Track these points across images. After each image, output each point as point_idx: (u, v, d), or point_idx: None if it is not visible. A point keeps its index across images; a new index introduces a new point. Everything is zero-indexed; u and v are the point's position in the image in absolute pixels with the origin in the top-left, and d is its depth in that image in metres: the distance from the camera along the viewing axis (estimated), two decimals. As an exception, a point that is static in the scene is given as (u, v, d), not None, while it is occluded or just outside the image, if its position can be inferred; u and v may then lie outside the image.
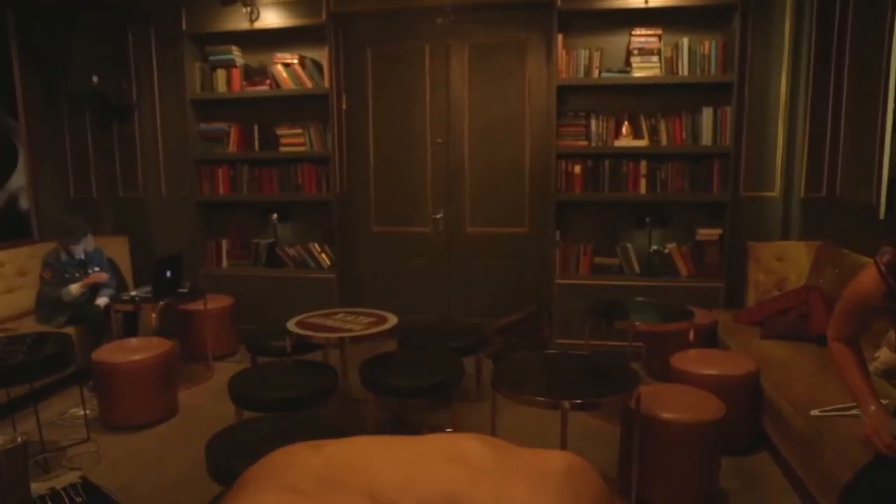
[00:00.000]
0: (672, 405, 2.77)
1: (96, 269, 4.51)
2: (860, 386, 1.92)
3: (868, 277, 1.98)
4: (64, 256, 4.41)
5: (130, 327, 4.59)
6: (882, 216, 3.69)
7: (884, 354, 2.99)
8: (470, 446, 1.31)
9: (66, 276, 4.37)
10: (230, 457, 2.40)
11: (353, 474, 1.26)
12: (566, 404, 2.42)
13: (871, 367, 2.95)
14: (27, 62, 4.98)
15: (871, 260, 2.00)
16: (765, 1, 4.58)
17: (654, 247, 4.79)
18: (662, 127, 4.71)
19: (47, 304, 4.39)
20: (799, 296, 3.90)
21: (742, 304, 4.49)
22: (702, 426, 2.70)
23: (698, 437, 2.71)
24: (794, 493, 2.90)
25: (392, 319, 3.70)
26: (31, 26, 4.98)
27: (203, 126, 5.29)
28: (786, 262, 4.37)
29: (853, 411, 2.64)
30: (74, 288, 4.33)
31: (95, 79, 4.93)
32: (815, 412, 2.69)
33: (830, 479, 2.44)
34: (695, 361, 3.34)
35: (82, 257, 4.46)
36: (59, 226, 4.59)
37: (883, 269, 1.93)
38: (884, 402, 1.93)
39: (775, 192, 4.68)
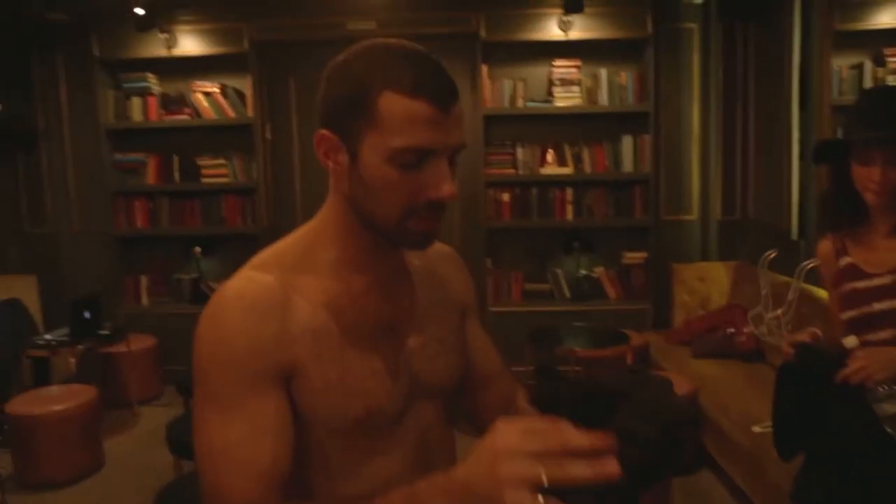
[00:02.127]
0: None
1: None
2: None
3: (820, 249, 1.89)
4: None
5: (42, 375, 4.29)
6: (795, 237, 3.96)
7: None
8: None
9: None
10: (188, 514, 2.28)
11: None
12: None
13: None
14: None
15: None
16: (674, 35, 4.85)
17: (583, 271, 4.93)
18: (586, 154, 4.88)
19: None
20: (723, 314, 4.12)
21: (669, 324, 4.68)
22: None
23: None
24: (740, 508, 3.04)
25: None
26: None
27: (118, 156, 5.04)
28: (707, 282, 4.60)
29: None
30: None
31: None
32: (756, 428, 2.84)
33: (776, 493, 2.57)
34: (636, 384, 3.44)
35: None
36: None
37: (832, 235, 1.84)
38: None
39: (693, 216, 4.94)
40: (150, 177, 5.03)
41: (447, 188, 0.89)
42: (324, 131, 0.92)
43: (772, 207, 4.29)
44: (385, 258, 1.02)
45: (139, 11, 4.52)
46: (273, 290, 0.91)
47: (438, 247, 1.16)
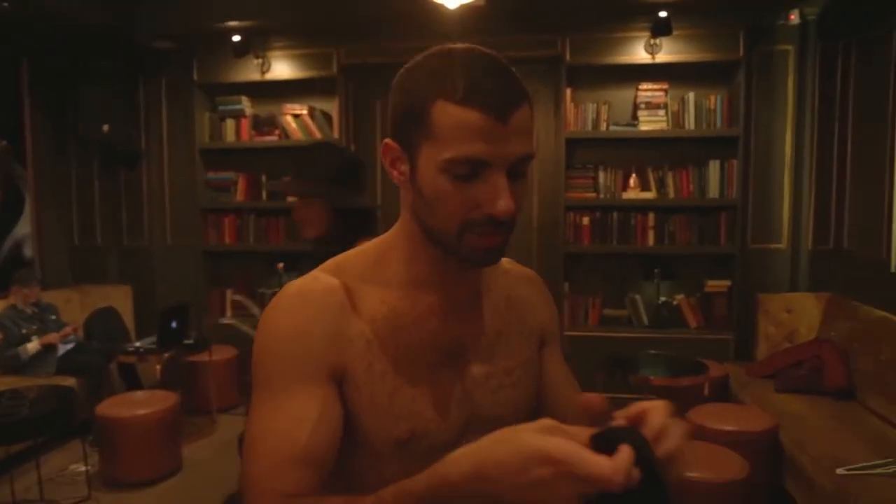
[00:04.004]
0: (696, 464, 2.72)
1: (52, 318, 4.52)
2: None
3: None
4: (13, 313, 4.35)
5: (132, 380, 4.51)
6: (894, 269, 3.70)
7: None
8: None
9: (24, 331, 4.30)
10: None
11: None
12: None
13: None
14: (38, 109, 5.01)
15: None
16: (768, 57, 4.67)
17: (663, 298, 4.77)
18: (670, 179, 4.75)
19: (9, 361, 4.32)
20: (812, 349, 3.88)
21: (752, 356, 4.46)
22: (727, 486, 2.65)
23: (724, 497, 2.66)
24: (821, 556, 2.83)
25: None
26: (43, 73, 5.03)
27: (211, 175, 5.30)
28: (795, 314, 4.36)
29: (881, 469, 2.60)
30: (32, 346, 4.26)
31: (106, 127, 4.96)
32: (840, 470, 2.65)
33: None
34: (712, 416, 3.29)
35: (31, 311, 4.40)
36: (17, 275, 4.53)
37: None
38: None
39: (783, 244, 4.70)
40: (240, 194, 5.26)
41: (503, 203, 0.83)
42: (388, 141, 0.91)
43: (869, 238, 4.03)
44: (456, 278, 0.97)
45: (236, 38, 4.78)
46: (335, 290, 0.91)
47: (520, 269, 1.11)
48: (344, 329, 0.90)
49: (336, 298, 0.91)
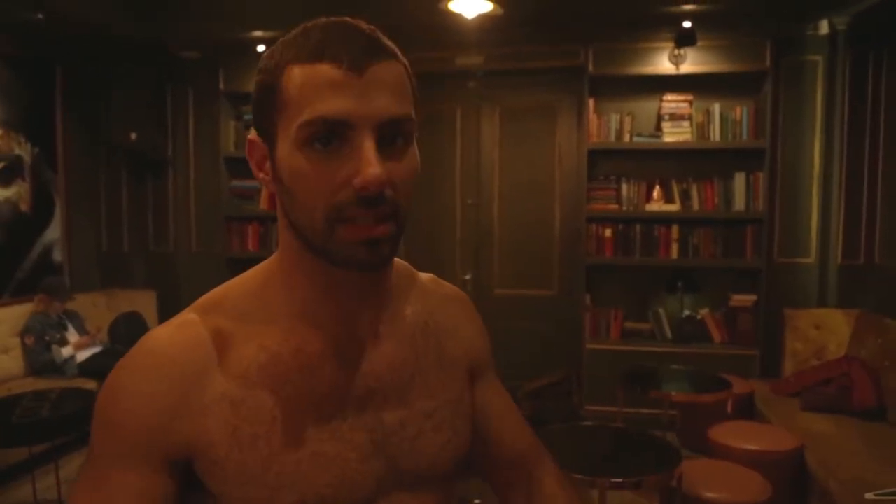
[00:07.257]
0: (715, 484, 2.66)
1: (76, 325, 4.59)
2: None
3: None
4: (42, 318, 4.42)
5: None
6: (926, 287, 3.60)
7: None
8: None
9: (47, 338, 4.37)
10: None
11: None
12: (605, 483, 2.34)
13: None
14: (70, 115, 5.11)
15: None
16: (796, 68, 4.59)
17: (687, 312, 4.70)
18: (694, 192, 4.68)
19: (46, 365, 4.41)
20: (840, 366, 3.78)
21: (778, 373, 4.36)
22: (747, 507, 2.59)
23: (743, 518, 2.59)
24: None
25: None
26: (75, 81, 5.13)
27: (235, 183, 5.35)
28: (824, 330, 4.26)
29: (911, 496, 2.52)
30: (66, 350, 4.35)
31: (134, 135, 5.04)
32: (869, 495, 2.57)
33: (887, 569, 2.31)
34: (734, 435, 3.22)
35: (57, 317, 4.48)
36: (46, 283, 4.60)
37: None
38: None
39: (811, 259, 4.60)
40: (263, 202, 5.30)
41: (369, 170, 0.68)
42: (252, 137, 0.78)
43: (901, 253, 3.93)
44: (354, 305, 0.80)
45: (261, 48, 4.83)
46: (200, 345, 0.76)
47: (443, 290, 0.96)
48: (199, 396, 0.74)
49: (198, 355, 0.75)
